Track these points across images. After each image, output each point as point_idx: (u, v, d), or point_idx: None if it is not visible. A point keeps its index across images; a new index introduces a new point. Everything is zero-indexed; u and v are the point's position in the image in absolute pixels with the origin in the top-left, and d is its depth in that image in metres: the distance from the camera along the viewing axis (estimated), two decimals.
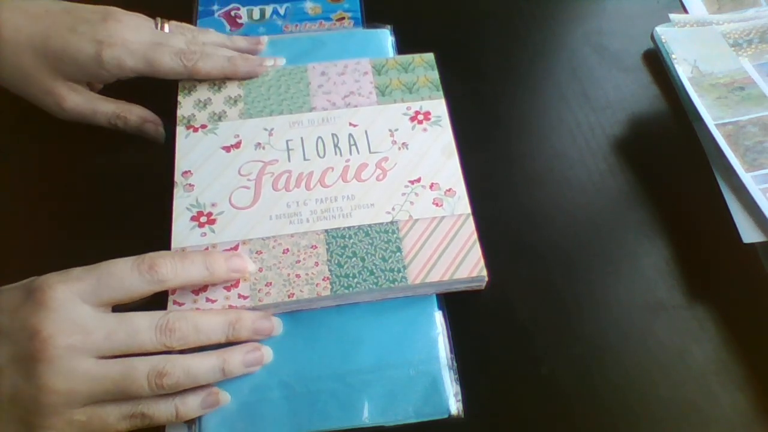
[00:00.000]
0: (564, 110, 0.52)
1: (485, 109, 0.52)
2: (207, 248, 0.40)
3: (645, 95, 0.54)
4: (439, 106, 0.47)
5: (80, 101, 0.45)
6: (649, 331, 0.42)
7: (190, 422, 0.38)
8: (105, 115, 0.46)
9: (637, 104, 0.53)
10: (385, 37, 0.54)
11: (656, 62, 0.55)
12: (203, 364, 0.36)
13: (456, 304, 0.42)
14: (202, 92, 0.47)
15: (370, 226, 0.41)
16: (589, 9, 0.60)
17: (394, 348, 0.40)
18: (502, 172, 0.49)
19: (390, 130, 0.45)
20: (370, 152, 0.44)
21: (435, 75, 0.48)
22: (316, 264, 0.40)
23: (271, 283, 0.39)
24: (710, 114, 0.50)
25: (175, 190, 0.43)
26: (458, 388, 0.39)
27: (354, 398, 0.38)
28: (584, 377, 0.40)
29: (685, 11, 0.59)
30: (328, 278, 0.39)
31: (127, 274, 0.35)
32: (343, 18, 0.56)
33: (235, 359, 0.37)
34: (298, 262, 0.40)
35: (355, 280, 0.39)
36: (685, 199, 0.48)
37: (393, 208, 0.42)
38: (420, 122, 0.46)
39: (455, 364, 0.40)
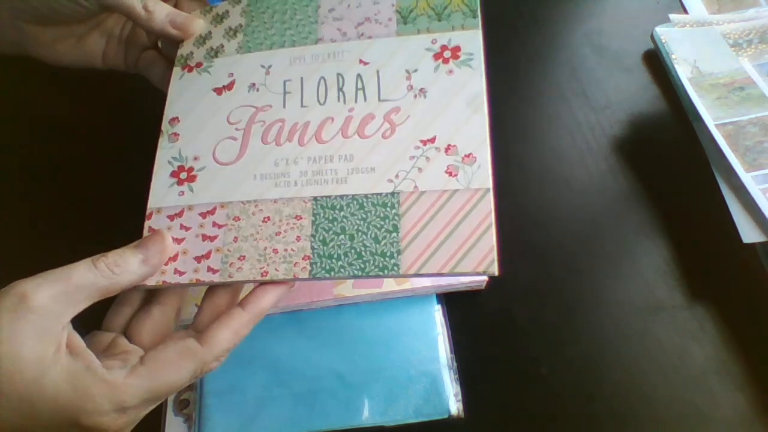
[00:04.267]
0: (564, 110, 0.52)
1: None
2: (182, 210, 0.36)
3: (645, 95, 0.54)
4: (472, 40, 0.37)
5: None
6: (649, 332, 0.42)
7: (190, 421, 0.38)
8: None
9: (637, 104, 0.53)
10: None
11: (656, 62, 0.55)
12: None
13: (456, 304, 0.42)
14: (205, 26, 0.41)
15: (366, 196, 0.35)
16: (589, 9, 0.60)
17: (394, 348, 0.40)
18: (502, 172, 0.49)
19: (407, 71, 0.37)
20: (379, 100, 0.37)
21: None
22: (298, 239, 0.35)
23: (244, 257, 0.35)
24: (710, 114, 0.50)
25: (160, 140, 0.38)
26: (458, 388, 0.39)
27: (354, 398, 0.38)
28: (584, 377, 0.40)
29: (685, 11, 0.58)
30: (308, 257, 0.34)
31: (184, 380, 0.32)
32: None
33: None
34: (278, 234, 0.35)
35: (339, 262, 0.34)
36: (685, 199, 0.48)
37: (397, 176, 0.35)
38: (446, 61, 0.37)
39: (455, 364, 0.40)
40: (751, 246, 0.44)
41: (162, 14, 0.40)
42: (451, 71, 0.37)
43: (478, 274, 0.32)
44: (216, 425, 0.38)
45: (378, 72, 0.38)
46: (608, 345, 0.42)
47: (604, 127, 0.51)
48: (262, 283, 0.34)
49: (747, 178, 0.46)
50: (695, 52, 0.54)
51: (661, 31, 0.55)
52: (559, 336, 0.42)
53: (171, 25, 0.40)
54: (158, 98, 0.40)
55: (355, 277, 0.34)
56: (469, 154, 0.35)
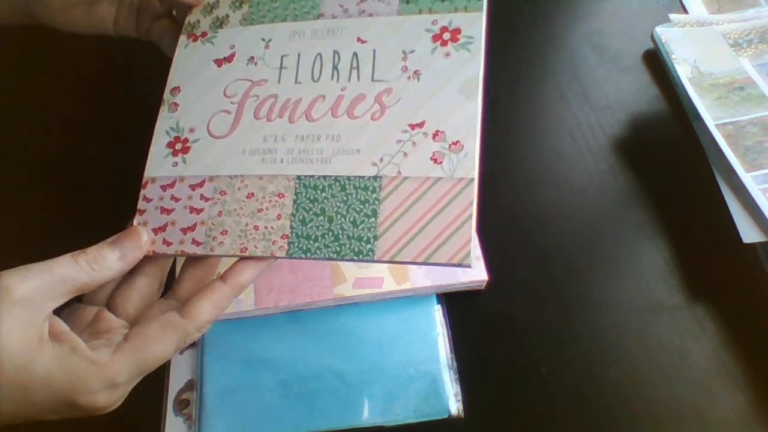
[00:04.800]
0: (564, 110, 0.52)
1: (485, 109, 0.52)
2: (174, 180, 0.37)
3: (645, 95, 0.54)
4: (474, 23, 0.36)
5: None
6: (649, 331, 0.42)
7: (190, 421, 0.38)
8: None
9: (637, 104, 0.53)
10: None
11: (656, 62, 0.55)
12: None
13: (456, 304, 0.42)
14: None
15: (348, 178, 0.35)
16: (589, 9, 0.60)
17: (394, 348, 0.40)
18: (503, 172, 0.49)
19: (404, 52, 0.37)
20: (372, 80, 0.37)
21: None
22: (278, 217, 0.35)
23: (226, 232, 0.35)
24: (710, 114, 0.50)
25: (161, 109, 0.39)
26: (458, 388, 0.39)
27: (354, 398, 0.38)
28: (584, 377, 0.40)
29: (685, 11, 0.59)
30: (287, 236, 0.34)
31: (170, 352, 0.32)
32: None
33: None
34: (260, 210, 0.35)
35: (316, 244, 0.34)
36: (685, 199, 0.48)
37: (381, 159, 0.35)
38: (444, 43, 0.36)
39: (455, 364, 0.40)
40: (751, 246, 0.44)
41: None
42: (448, 54, 0.36)
43: (452, 265, 0.32)
44: (216, 425, 0.38)
45: (374, 51, 0.37)
46: (608, 345, 0.42)
47: (604, 127, 0.51)
48: (242, 258, 0.35)
49: (747, 178, 0.46)
50: (695, 52, 0.54)
51: (661, 31, 0.55)
52: (558, 336, 0.42)
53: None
54: (161, 86, 0.39)
55: (330, 259, 0.34)
56: (457, 142, 0.34)
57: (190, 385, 0.40)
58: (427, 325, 0.41)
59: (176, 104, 0.38)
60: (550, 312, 0.43)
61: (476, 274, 0.42)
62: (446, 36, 0.37)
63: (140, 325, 0.32)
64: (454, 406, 0.38)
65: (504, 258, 0.44)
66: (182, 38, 0.40)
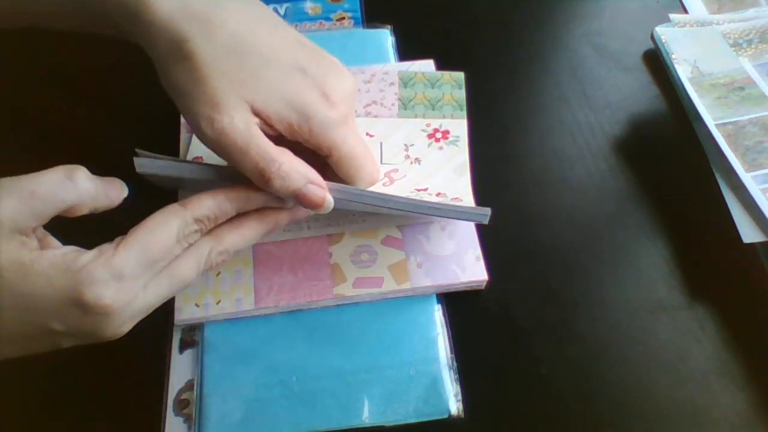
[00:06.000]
0: (564, 110, 0.52)
1: (485, 109, 0.52)
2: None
3: (645, 95, 0.54)
4: (459, 126, 0.46)
5: (239, 127, 0.33)
6: (649, 332, 0.42)
7: (190, 421, 0.38)
8: (258, 157, 0.33)
9: (637, 104, 0.53)
10: (385, 37, 0.54)
11: (656, 62, 0.55)
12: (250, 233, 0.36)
13: (456, 304, 0.42)
14: None
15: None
16: (589, 9, 0.60)
17: (394, 348, 0.40)
18: (502, 172, 0.49)
19: (405, 145, 0.45)
20: (381, 163, 0.44)
21: (461, 94, 0.48)
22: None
23: None
24: (710, 114, 0.50)
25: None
26: (458, 388, 0.39)
27: (354, 398, 0.38)
28: (584, 377, 0.40)
29: (685, 11, 0.59)
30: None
31: (172, 239, 0.32)
32: (343, 18, 0.57)
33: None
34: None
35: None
36: (685, 199, 0.48)
37: None
38: (437, 140, 0.45)
39: (455, 364, 0.40)
40: (751, 246, 0.44)
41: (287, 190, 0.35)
42: (441, 147, 0.45)
43: (478, 213, 0.38)
44: (216, 425, 0.38)
45: (381, 143, 0.45)
46: (608, 345, 0.42)
47: (604, 127, 0.52)
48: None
49: (747, 178, 0.46)
50: (695, 52, 0.54)
51: (661, 31, 0.55)
52: (559, 336, 0.42)
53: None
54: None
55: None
56: (456, 197, 0.42)
57: (190, 385, 0.40)
58: (427, 325, 0.41)
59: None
60: (550, 312, 0.43)
61: (476, 274, 0.42)
62: (438, 135, 0.46)
63: (140, 222, 0.32)
64: (454, 406, 0.38)
65: (504, 258, 0.44)
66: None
